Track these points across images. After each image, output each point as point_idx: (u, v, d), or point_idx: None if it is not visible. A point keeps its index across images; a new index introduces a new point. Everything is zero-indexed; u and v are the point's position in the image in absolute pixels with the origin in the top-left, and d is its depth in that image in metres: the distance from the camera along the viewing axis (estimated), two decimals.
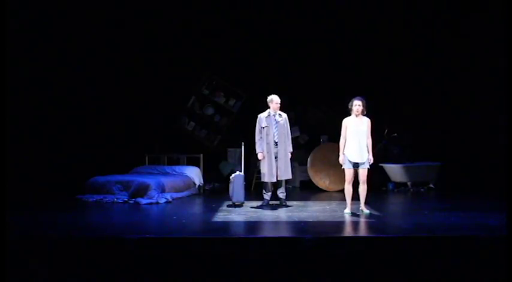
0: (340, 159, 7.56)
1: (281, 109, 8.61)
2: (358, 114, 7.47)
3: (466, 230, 6.17)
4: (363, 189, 7.49)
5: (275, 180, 8.45)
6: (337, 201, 8.91)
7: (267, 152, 8.43)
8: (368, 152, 7.48)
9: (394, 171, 10.99)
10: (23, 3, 9.74)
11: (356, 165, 7.47)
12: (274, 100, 8.51)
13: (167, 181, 9.56)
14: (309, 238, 5.61)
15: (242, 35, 11.53)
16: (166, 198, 9.07)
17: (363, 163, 7.45)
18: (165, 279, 5.47)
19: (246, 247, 5.61)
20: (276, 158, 8.43)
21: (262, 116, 8.54)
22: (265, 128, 8.46)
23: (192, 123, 12.19)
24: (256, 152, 8.53)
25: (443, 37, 11.07)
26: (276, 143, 8.46)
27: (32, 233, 6.12)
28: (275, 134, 8.45)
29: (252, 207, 8.29)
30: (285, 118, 8.62)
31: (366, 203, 7.61)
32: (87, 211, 8.21)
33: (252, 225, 6.92)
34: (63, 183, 10.14)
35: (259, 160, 8.61)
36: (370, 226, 6.75)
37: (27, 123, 10.34)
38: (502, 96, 8.92)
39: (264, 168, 8.45)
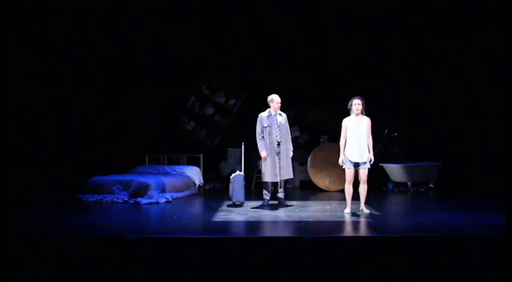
0: (340, 159, 7.56)
1: (281, 109, 8.61)
2: (358, 114, 7.46)
3: (466, 230, 6.17)
4: (363, 189, 7.49)
5: (278, 180, 8.44)
6: (337, 201, 8.90)
7: (270, 152, 8.42)
8: (369, 152, 7.47)
9: (394, 171, 10.98)
10: (23, 3, 9.74)
11: (357, 165, 7.47)
12: (275, 100, 8.50)
13: (167, 181, 9.56)
14: (309, 238, 5.60)
15: (242, 35, 11.52)
16: (166, 198, 9.07)
17: (364, 163, 7.44)
18: (165, 279, 5.46)
19: (246, 247, 5.60)
20: (278, 157, 8.43)
21: (263, 115, 8.53)
22: (267, 128, 8.45)
23: (192, 123, 12.18)
24: (260, 152, 8.50)
25: (443, 37, 11.06)
26: (279, 143, 8.46)
27: (32, 233, 6.12)
28: (277, 134, 8.45)
29: (252, 207, 8.29)
30: (285, 117, 8.63)
31: (366, 202, 7.61)
32: (87, 211, 8.19)
33: (252, 225, 6.91)
34: (63, 183, 10.14)
35: (260, 160, 8.60)
36: (370, 226, 6.74)
37: (27, 123, 10.34)
38: (502, 96, 8.90)
39: (266, 167, 8.44)
